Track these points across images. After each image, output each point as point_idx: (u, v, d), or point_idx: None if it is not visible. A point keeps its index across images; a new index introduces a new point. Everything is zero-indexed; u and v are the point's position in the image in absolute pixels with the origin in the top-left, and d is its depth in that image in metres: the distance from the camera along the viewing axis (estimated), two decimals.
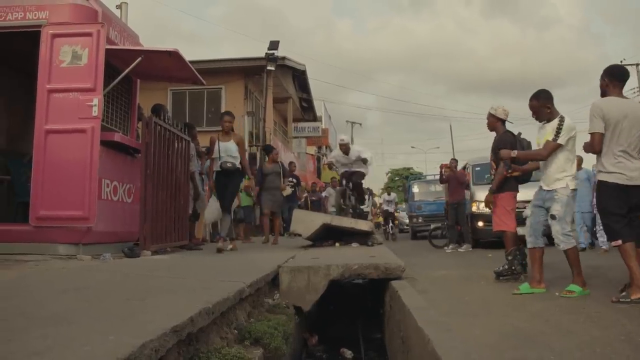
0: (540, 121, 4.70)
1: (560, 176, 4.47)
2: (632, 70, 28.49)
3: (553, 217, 4.43)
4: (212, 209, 7.57)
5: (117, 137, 6.24)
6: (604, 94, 4.22)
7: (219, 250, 6.93)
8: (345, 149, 9.97)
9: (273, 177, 10.29)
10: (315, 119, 26.38)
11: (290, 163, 14.57)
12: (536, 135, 4.79)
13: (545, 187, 4.58)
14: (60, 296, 2.89)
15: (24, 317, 2.27)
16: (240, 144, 7.58)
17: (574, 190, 4.48)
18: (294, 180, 12.91)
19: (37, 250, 5.45)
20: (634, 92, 28.50)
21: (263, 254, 6.74)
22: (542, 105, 4.61)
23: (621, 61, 28.68)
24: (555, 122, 4.49)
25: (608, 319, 3.29)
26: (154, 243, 6.20)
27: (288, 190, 10.91)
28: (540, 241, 4.67)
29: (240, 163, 7.54)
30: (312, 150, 29.01)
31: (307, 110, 25.15)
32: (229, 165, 7.34)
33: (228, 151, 7.36)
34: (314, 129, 25.25)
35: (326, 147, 31.81)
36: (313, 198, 16.21)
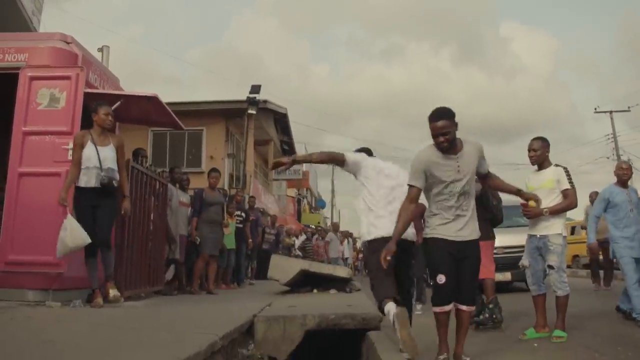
0: (534, 164, 4.85)
1: (552, 221, 4.57)
2: (605, 118, 29.29)
3: (551, 267, 4.55)
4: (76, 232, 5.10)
5: None
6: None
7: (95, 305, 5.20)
8: None
9: (217, 209, 8.33)
10: None
11: (251, 197, 12.90)
12: (528, 181, 4.87)
13: (536, 233, 4.63)
14: (23, 352, 2.78)
15: None
16: (120, 149, 5.54)
17: (565, 237, 4.62)
18: (243, 215, 10.60)
19: (4, 296, 5.26)
20: (608, 139, 29.17)
21: (239, 302, 6.61)
22: (545, 150, 4.77)
23: (595, 109, 29.49)
24: (559, 170, 4.71)
25: None
26: (127, 289, 6.04)
27: (230, 230, 8.88)
28: (542, 287, 4.73)
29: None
30: (293, 192, 28.99)
31: (288, 153, 25.21)
32: (108, 181, 5.29)
33: (106, 160, 5.34)
34: (294, 172, 25.18)
35: (306, 190, 31.86)
36: (268, 233, 13.39)
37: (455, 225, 3.48)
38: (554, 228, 4.55)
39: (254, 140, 18.54)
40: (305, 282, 8.09)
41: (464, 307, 3.50)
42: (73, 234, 5.04)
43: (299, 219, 28.10)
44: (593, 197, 9.20)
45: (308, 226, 21.92)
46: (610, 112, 28.91)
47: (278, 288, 8.64)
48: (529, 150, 4.79)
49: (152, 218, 6.89)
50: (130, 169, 6.19)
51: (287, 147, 24.37)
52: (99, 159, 5.26)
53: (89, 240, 5.10)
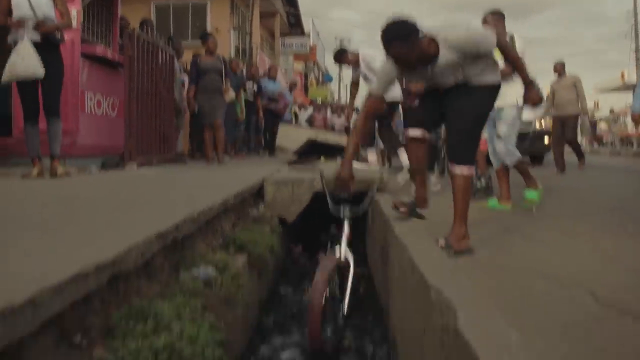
0: None
1: (505, 92, 4.00)
2: None
3: (498, 136, 4.37)
4: (29, 59, 4.38)
5: (99, 50, 6.13)
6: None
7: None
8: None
9: (213, 76, 7.59)
10: (303, 34, 25.77)
11: (252, 66, 11.68)
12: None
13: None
14: (49, 205, 2.95)
15: (15, 223, 2.34)
16: None
17: (522, 108, 4.33)
18: (255, 88, 10.40)
19: (22, 162, 5.45)
20: (628, 13, 28.02)
21: (249, 168, 6.80)
22: (497, 23, 4.44)
23: None
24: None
25: (580, 231, 3.42)
26: (139, 156, 6.23)
27: (231, 95, 8.16)
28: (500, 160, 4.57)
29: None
30: (300, 66, 28.54)
31: (295, 27, 24.52)
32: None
33: (40, 6, 4.49)
34: (301, 45, 24.68)
35: (314, 64, 31.33)
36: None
37: None
38: (508, 99, 4.21)
39: (260, 13, 17.98)
40: (312, 151, 8.27)
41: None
42: (26, 61, 4.34)
43: (306, 92, 27.92)
44: (558, 67, 8.55)
45: (315, 100, 21.85)
46: None
47: (287, 157, 8.85)
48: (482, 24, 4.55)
49: (159, 88, 6.92)
50: (137, 39, 6.14)
51: (294, 19, 23.65)
52: (32, 5, 4.42)
53: (40, 73, 4.45)
